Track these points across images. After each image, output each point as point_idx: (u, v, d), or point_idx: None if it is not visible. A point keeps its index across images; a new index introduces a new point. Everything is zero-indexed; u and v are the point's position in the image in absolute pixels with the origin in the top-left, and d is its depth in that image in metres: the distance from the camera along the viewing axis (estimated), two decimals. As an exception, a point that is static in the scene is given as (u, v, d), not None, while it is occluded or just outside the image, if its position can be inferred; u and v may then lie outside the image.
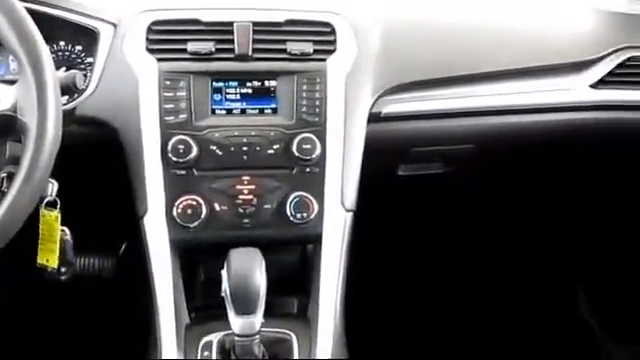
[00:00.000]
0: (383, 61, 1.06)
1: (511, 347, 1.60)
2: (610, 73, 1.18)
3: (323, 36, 1.02)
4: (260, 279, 0.81)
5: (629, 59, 1.20)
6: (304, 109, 0.99)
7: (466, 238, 1.64)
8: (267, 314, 0.84)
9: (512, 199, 1.44)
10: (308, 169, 0.98)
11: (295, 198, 0.97)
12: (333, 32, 1.03)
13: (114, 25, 1.02)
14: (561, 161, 1.27)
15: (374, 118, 1.05)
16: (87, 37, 1.02)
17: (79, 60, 1.04)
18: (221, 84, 1.00)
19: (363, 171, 1.02)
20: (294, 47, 1.00)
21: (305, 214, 0.96)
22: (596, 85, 1.17)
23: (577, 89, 1.17)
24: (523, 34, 1.23)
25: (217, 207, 0.96)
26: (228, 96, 1.00)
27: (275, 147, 0.98)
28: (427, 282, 1.69)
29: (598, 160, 1.29)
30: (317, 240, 0.99)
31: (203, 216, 0.95)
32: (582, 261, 1.69)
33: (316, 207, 0.97)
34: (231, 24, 0.99)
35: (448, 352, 1.58)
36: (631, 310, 1.51)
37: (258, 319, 0.82)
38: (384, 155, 1.12)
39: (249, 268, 0.82)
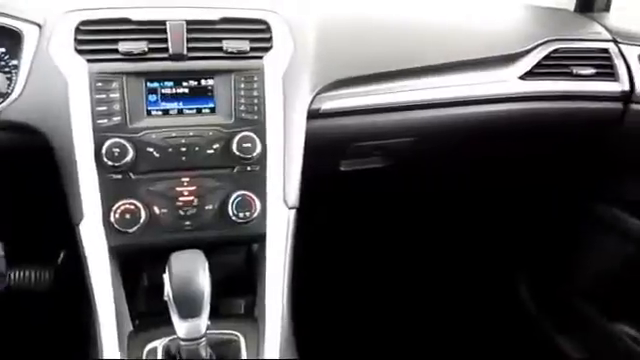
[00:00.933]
0: (320, 58, 1.07)
1: (456, 332, 1.65)
2: (537, 65, 1.23)
3: (259, 34, 1.02)
4: (203, 281, 0.80)
5: (554, 51, 1.25)
6: (243, 107, 0.98)
7: (410, 231, 1.68)
8: (213, 316, 0.83)
9: (452, 191, 1.48)
10: (249, 168, 0.98)
11: (237, 197, 0.96)
12: (269, 29, 1.02)
13: (39, 26, 0.98)
14: (497, 150, 1.32)
15: (314, 114, 1.05)
16: (10, 39, 0.98)
17: (3, 63, 0.99)
18: (156, 84, 0.97)
19: (305, 168, 1.02)
20: (230, 45, 0.99)
21: (247, 213, 0.96)
22: (525, 77, 1.22)
23: (508, 81, 1.22)
24: (457, 29, 1.27)
25: (157, 210, 0.94)
26: (164, 96, 0.98)
27: (214, 147, 0.96)
28: (374, 276, 1.71)
29: (528, 151, 1.34)
30: (261, 239, 0.98)
31: (142, 220, 0.93)
32: (522, 249, 1.75)
33: (258, 206, 0.96)
34: (164, 23, 0.97)
35: (397, 346, 1.62)
36: (567, 296, 1.58)
37: (203, 322, 0.81)
38: (325, 151, 1.13)
39: (191, 270, 0.80)
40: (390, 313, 1.69)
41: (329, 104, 1.08)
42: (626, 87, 1.24)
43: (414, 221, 1.63)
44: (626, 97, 1.25)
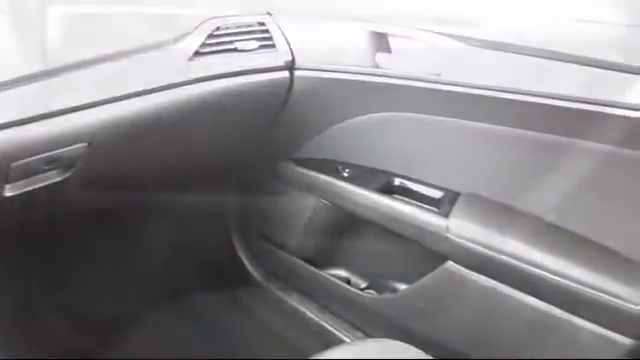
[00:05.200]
0: None
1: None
2: (203, 44, 1.22)
3: None
4: None
5: (217, 29, 1.25)
6: None
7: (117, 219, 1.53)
8: None
9: (145, 180, 1.38)
10: None
11: None
12: None
13: None
14: (183, 137, 1.27)
15: None
16: None
17: None
18: None
19: None
20: None
21: None
22: (193, 58, 1.20)
23: (178, 65, 1.18)
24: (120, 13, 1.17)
25: None
26: None
27: None
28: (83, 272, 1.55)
29: (217, 129, 1.34)
30: None
31: None
32: (233, 208, 1.78)
33: None
34: None
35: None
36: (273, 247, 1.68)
37: None
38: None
39: None
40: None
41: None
42: (288, 57, 1.32)
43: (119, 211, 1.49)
44: (290, 66, 1.33)
